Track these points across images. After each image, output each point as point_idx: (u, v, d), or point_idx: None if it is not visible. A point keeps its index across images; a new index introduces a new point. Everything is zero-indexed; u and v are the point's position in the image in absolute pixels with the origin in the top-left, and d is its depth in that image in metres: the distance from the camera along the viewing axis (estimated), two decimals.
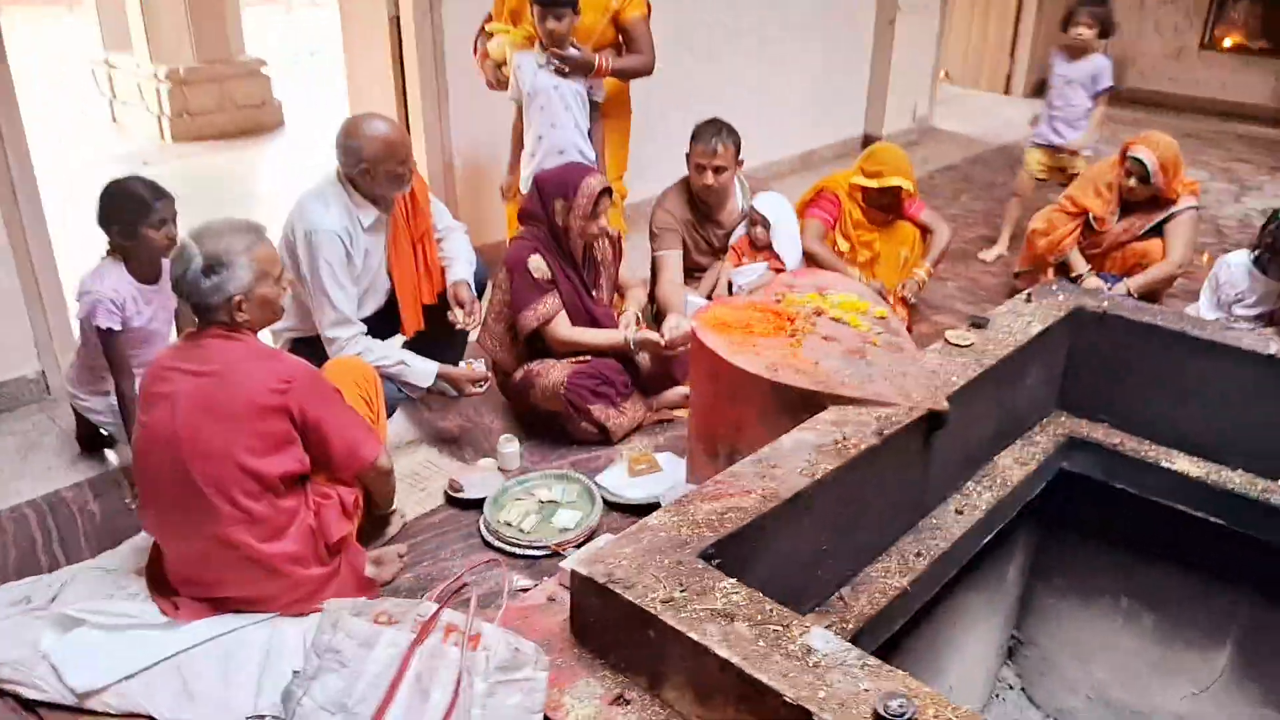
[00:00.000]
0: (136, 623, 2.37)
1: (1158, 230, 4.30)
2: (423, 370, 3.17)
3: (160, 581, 2.46)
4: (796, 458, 1.86)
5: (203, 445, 2.23)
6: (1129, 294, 4.15)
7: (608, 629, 1.57)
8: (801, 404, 2.10)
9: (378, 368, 3.00)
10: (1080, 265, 4.41)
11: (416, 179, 3.27)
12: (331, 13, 4.91)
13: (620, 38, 3.89)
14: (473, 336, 3.51)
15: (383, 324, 3.33)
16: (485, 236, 4.83)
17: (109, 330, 2.91)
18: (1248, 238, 5.68)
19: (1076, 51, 5.07)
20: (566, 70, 3.70)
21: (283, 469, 2.32)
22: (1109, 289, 4.15)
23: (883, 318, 2.54)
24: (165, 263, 3.00)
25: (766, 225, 3.88)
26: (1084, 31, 4.94)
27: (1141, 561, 2.81)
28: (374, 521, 2.82)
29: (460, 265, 3.40)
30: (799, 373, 2.18)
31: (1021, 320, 2.76)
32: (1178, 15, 8.80)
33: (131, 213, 2.90)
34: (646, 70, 3.92)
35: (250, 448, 2.26)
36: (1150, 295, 4.27)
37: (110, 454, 3.34)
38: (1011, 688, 3.00)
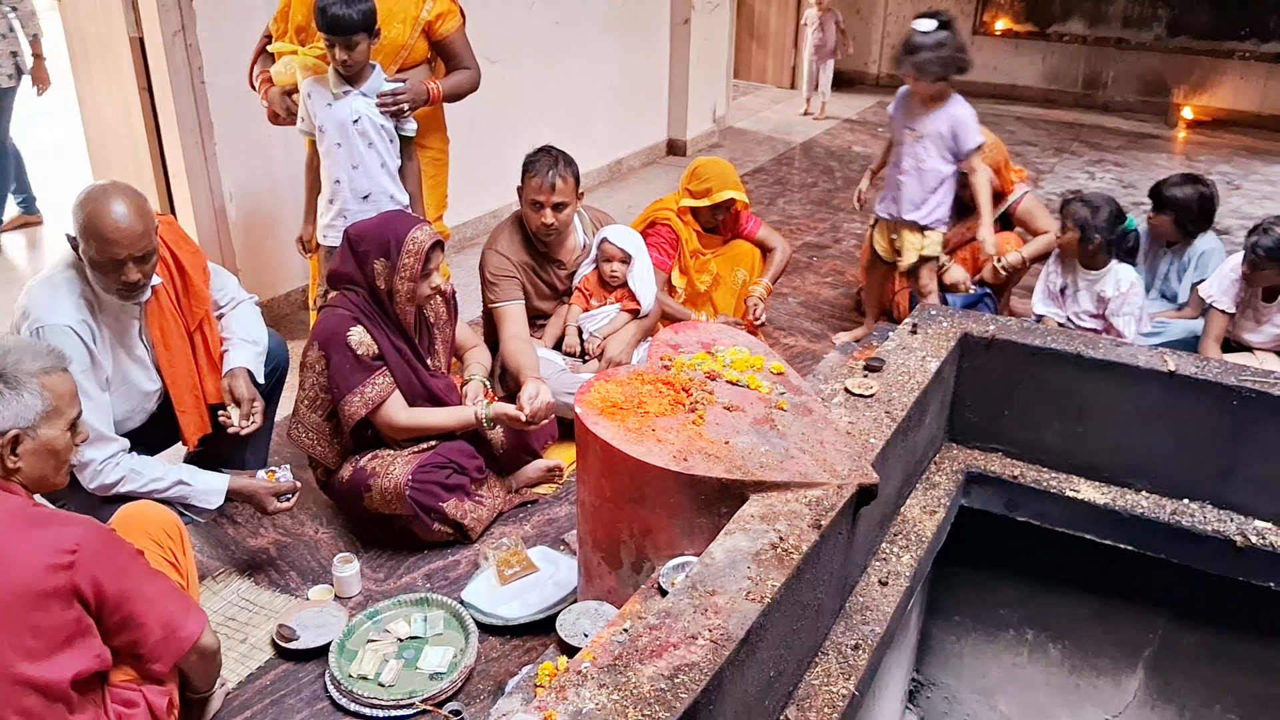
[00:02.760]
0: None
1: (1001, 225, 4.18)
2: (209, 487, 2.54)
3: None
4: (736, 575, 1.62)
5: None
6: (1023, 262, 4.08)
7: None
8: (719, 495, 1.88)
9: (150, 494, 2.40)
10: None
11: (188, 249, 2.66)
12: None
13: (432, 53, 3.36)
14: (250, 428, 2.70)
15: (161, 433, 2.68)
16: (273, 289, 4.21)
17: None
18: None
19: (928, 97, 3.72)
20: (405, 111, 3.14)
21: (75, 670, 1.74)
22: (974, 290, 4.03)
23: (780, 372, 2.34)
24: None
25: (627, 260, 3.43)
26: (923, 88, 3.69)
27: (1046, 591, 2.80)
28: (190, 704, 2.17)
29: (240, 350, 2.72)
30: (712, 459, 1.93)
31: (915, 356, 2.65)
32: (948, 0, 8.96)
33: None
34: (476, 85, 3.41)
35: (27, 650, 1.68)
36: (1002, 290, 4.18)
37: None
38: None
